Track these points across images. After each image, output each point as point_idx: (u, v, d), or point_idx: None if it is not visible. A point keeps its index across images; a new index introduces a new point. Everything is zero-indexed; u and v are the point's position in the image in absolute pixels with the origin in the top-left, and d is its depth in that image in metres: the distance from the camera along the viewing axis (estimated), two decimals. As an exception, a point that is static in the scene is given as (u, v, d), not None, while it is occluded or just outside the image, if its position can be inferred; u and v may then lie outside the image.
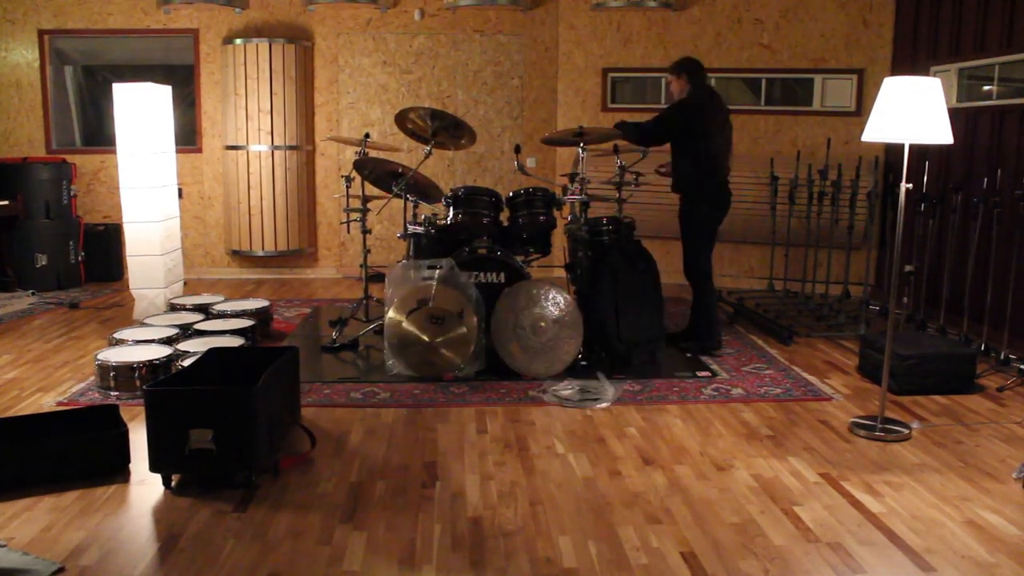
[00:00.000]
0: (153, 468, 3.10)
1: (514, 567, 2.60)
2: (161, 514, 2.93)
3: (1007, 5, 5.16)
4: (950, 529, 2.86)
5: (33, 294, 6.50)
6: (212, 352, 3.66)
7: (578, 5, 7.12)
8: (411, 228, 4.89)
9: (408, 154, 6.90)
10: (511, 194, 4.94)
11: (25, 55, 7.13)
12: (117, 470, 3.22)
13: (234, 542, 2.72)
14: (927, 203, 5.61)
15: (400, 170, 4.92)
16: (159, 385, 3.28)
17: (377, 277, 6.91)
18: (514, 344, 4.44)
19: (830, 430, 3.78)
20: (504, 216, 4.95)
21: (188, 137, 7.30)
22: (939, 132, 3.48)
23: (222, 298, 5.54)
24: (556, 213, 4.91)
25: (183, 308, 5.32)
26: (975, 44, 5.49)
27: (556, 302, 4.45)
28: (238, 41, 6.99)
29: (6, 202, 6.51)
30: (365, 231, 5.29)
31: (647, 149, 5.12)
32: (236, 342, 4.51)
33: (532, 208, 4.85)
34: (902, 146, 3.69)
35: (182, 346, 4.41)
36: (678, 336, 5.11)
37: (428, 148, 4.95)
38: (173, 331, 4.69)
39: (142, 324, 5.00)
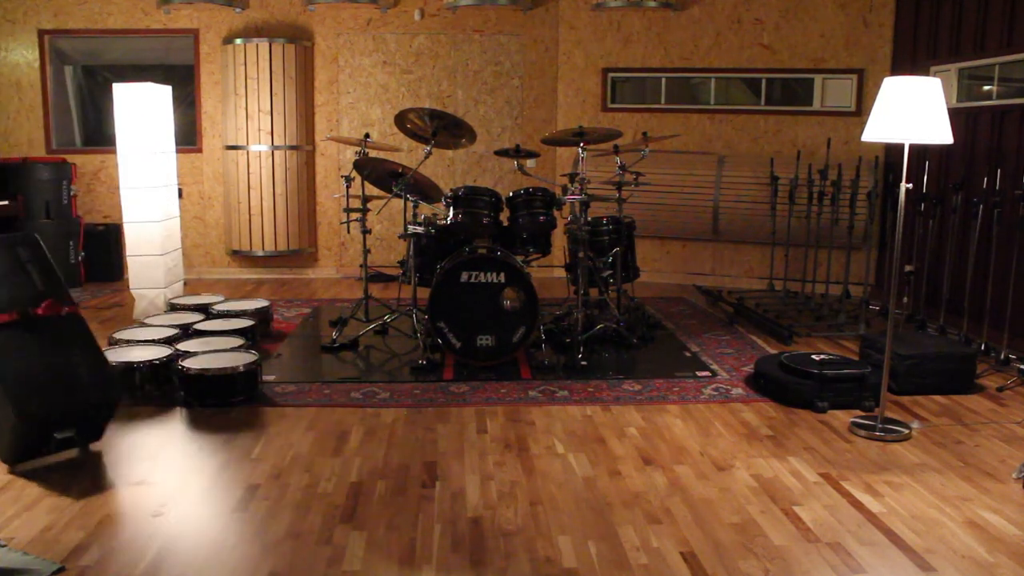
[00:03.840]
0: None
1: (514, 567, 2.60)
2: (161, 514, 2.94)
3: (1007, 5, 5.16)
4: (950, 529, 2.86)
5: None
6: None
7: (578, 5, 7.12)
8: (411, 228, 4.89)
9: (408, 154, 6.91)
10: (511, 194, 4.94)
11: (25, 55, 7.12)
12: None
13: (234, 542, 2.73)
14: (927, 203, 5.61)
15: (400, 170, 4.93)
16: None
17: (377, 277, 6.94)
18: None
19: (830, 430, 3.78)
20: (504, 216, 4.96)
21: (188, 137, 7.30)
22: (939, 132, 3.48)
23: (222, 298, 5.53)
24: (556, 213, 4.91)
25: (183, 308, 5.32)
26: (975, 44, 5.49)
27: None
28: (238, 41, 6.99)
29: (6, 202, 6.51)
30: (365, 231, 5.29)
31: (647, 149, 5.13)
32: (236, 342, 4.51)
33: (532, 208, 4.85)
34: (902, 146, 3.69)
35: (182, 346, 4.41)
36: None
37: (428, 148, 4.95)
38: (173, 331, 4.69)
39: (142, 324, 5.00)
